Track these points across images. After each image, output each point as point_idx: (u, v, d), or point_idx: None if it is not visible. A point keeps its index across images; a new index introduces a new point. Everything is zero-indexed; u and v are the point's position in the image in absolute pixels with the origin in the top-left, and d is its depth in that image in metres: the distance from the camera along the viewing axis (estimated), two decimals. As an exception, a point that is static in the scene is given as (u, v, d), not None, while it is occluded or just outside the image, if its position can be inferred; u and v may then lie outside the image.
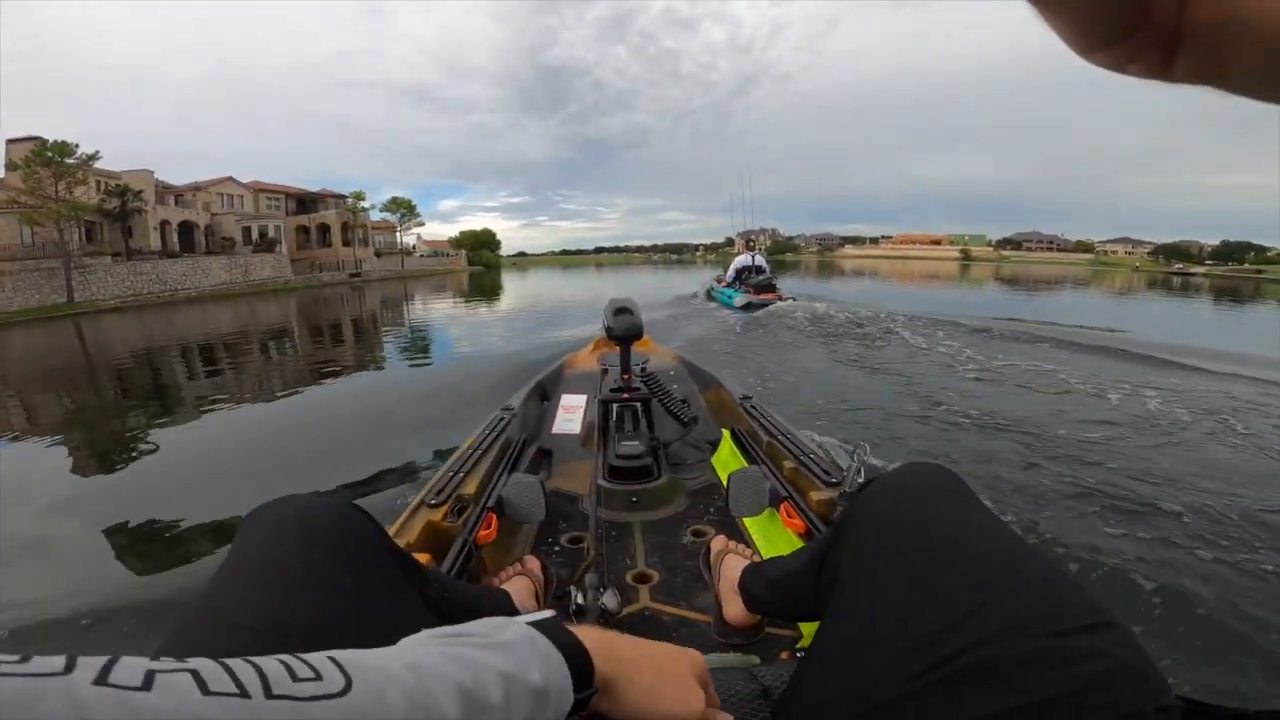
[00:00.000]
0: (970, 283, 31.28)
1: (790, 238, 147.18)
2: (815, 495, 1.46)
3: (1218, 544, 2.48)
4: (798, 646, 1.17)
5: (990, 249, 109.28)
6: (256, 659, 0.32)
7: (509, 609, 1.07)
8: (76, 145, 24.27)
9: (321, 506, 0.66)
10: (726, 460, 2.06)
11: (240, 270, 31.59)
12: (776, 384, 5.55)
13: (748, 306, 11.17)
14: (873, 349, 7.34)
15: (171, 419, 5.66)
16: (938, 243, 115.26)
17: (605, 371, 2.67)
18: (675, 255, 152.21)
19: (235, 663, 0.31)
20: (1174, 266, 66.73)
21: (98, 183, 28.05)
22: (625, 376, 2.22)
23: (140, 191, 29.56)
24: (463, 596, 0.92)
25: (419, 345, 10.77)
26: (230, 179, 38.28)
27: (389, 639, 0.41)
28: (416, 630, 0.43)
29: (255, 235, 36.02)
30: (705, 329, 9.33)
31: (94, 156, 25.31)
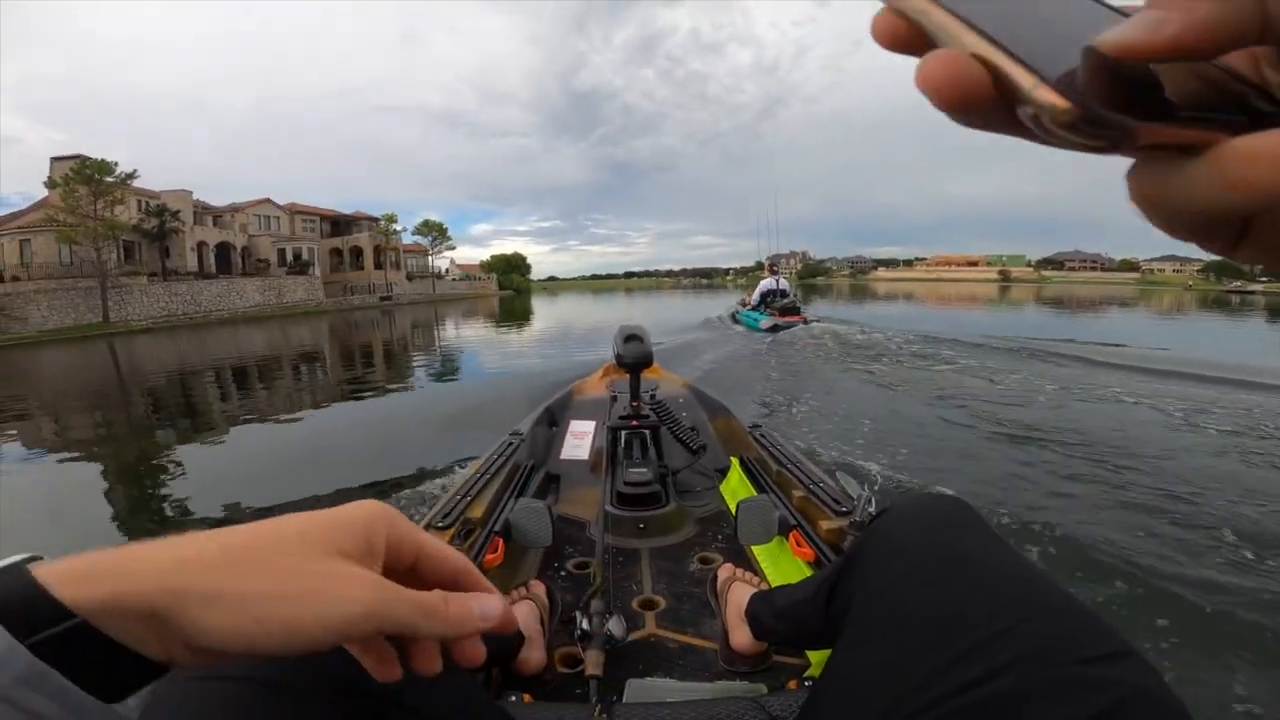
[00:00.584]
0: (1013, 305, 30.08)
1: (821, 261, 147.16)
2: (825, 524, 1.46)
3: None
4: (806, 675, 1.16)
5: (1030, 269, 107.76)
6: None
7: None
8: (116, 164, 24.81)
9: None
10: (735, 488, 2.06)
11: (274, 292, 32.14)
12: (800, 399, 5.51)
13: (773, 329, 11.33)
14: (908, 378, 7.13)
15: (201, 436, 5.84)
16: (975, 264, 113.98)
17: (614, 398, 2.68)
18: (705, 280, 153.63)
19: None
20: (1230, 284, 65.24)
21: (137, 202, 28.70)
22: (634, 404, 2.22)
23: (178, 211, 30.29)
24: None
25: (447, 369, 10.90)
26: (268, 200, 39.28)
27: None
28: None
29: (290, 257, 36.75)
30: (732, 350, 9.46)
31: (132, 175, 25.87)
